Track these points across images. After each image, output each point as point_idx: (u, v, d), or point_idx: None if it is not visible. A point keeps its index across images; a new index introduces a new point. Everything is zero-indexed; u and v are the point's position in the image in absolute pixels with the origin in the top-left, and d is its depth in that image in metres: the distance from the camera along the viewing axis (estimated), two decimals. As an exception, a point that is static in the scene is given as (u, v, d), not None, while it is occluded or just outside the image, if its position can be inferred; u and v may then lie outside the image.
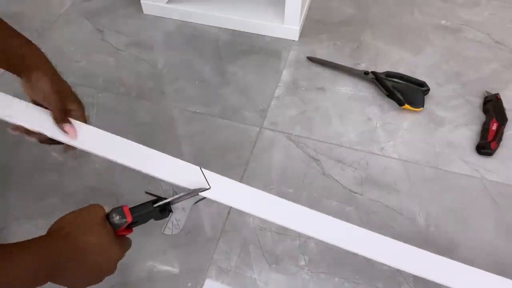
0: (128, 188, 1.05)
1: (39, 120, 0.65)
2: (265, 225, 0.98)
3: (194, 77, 1.31)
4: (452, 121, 1.19)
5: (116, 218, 0.55)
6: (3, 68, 0.62)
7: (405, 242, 0.96)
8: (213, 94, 1.26)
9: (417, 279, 0.91)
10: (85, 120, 0.67)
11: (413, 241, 0.96)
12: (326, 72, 1.32)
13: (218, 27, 1.45)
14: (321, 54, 1.37)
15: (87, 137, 0.66)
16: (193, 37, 1.42)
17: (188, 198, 0.61)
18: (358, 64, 1.33)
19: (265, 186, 1.04)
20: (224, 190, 0.65)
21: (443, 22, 1.49)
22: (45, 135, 0.65)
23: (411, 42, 1.41)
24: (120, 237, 0.57)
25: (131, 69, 1.32)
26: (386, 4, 1.56)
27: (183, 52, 1.38)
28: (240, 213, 1.01)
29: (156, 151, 0.67)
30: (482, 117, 1.20)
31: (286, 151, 1.12)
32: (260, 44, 1.41)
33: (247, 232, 0.97)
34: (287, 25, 1.39)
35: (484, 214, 1.01)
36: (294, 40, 1.42)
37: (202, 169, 0.65)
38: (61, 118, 0.63)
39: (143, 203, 0.59)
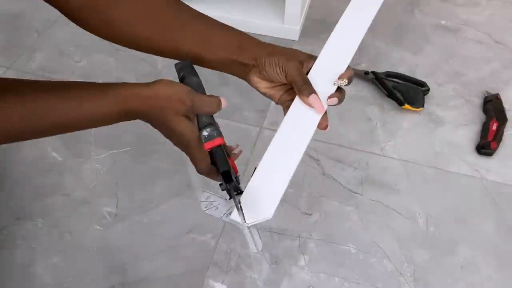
0: (128, 188, 1.05)
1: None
2: (265, 225, 0.98)
3: (194, 77, 1.31)
4: (452, 121, 1.19)
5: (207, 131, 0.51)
6: (224, 70, 0.56)
7: (405, 242, 0.96)
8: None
9: (417, 279, 0.91)
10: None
11: (413, 241, 0.97)
12: (326, 72, 1.32)
13: (218, 27, 1.45)
14: (321, 54, 1.36)
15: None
16: (193, 37, 1.42)
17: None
18: (358, 64, 1.33)
19: (265, 186, 1.04)
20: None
21: (443, 22, 1.49)
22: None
23: (411, 42, 1.41)
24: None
25: (131, 69, 1.32)
26: (386, 4, 1.55)
27: (183, 52, 1.38)
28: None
29: None
30: (482, 117, 1.20)
31: (286, 151, 1.12)
32: (260, 44, 1.41)
33: (247, 232, 0.97)
34: (287, 25, 1.39)
35: (484, 214, 1.01)
36: (294, 40, 1.42)
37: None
38: (300, 88, 0.53)
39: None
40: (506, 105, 1.20)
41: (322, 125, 0.54)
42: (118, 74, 1.31)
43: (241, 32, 0.56)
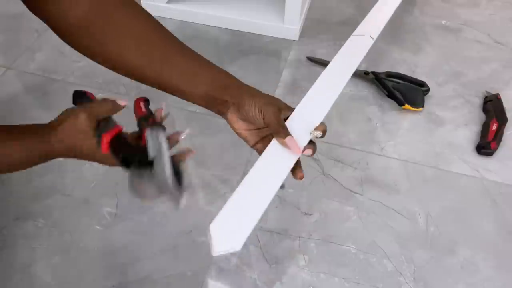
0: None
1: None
2: (265, 225, 0.98)
3: (194, 77, 1.31)
4: (452, 121, 1.19)
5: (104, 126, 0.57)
6: (203, 105, 0.60)
7: (405, 242, 0.97)
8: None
9: (417, 279, 0.91)
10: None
11: (413, 241, 0.97)
12: (326, 72, 1.32)
13: (218, 27, 1.45)
14: (321, 54, 1.36)
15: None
16: (193, 37, 1.42)
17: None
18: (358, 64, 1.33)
19: (265, 186, 1.04)
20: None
21: (443, 22, 1.49)
22: None
23: (411, 42, 1.41)
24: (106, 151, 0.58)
25: (131, 69, 1.32)
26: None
27: (183, 52, 1.38)
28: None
29: None
30: (482, 117, 1.20)
31: (286, 151, 1.12)
32: (260, 44, 1.41)
33: (247, 232, 0.97)
34: (287, 25, 1.40)
35: (484, 214, 1.01)
36: (294, 40, 1.42)
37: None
38: (278, 130, 0.55)
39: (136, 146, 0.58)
40: (506, 105, 1.20)
41: (298, 175, 0.57)
42: (117, 74, 1.31)
43: (225, 72, 0.60)
